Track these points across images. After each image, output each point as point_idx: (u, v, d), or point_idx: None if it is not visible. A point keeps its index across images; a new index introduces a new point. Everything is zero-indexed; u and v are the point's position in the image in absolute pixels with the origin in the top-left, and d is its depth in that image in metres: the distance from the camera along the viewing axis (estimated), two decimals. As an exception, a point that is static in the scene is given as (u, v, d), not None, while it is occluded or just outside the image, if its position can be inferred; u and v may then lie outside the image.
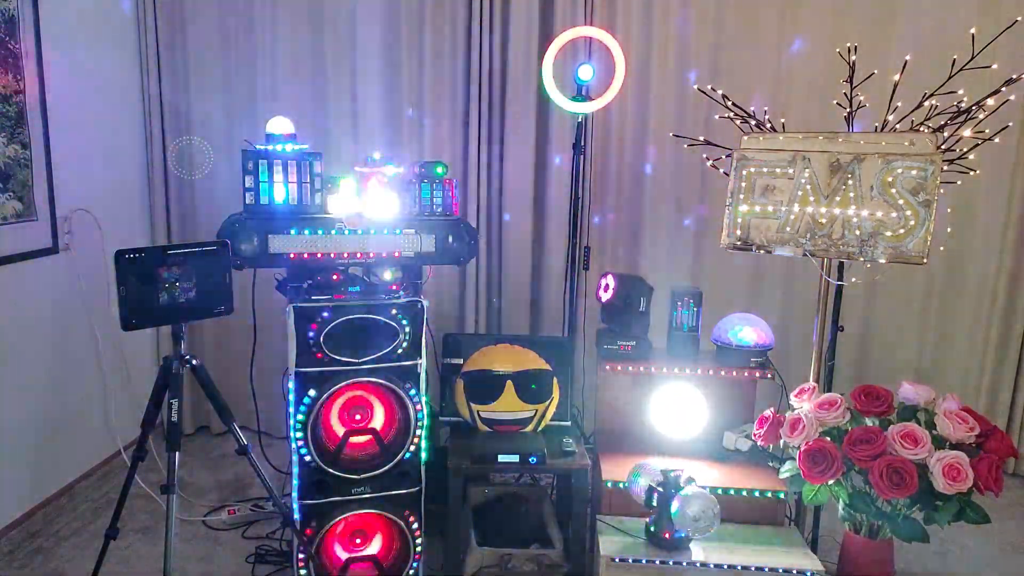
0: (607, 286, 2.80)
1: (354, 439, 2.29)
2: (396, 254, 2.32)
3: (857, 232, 2.34)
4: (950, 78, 2.34)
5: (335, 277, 2.31)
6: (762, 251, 2.47)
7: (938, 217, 2.25)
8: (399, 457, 2.30)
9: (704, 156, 2.86)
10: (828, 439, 2.22)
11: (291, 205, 2.26)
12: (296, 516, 2.29)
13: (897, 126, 2.41)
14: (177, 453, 2.05)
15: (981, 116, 2.32)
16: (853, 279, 2.66)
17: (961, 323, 3.52)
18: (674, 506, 2.22)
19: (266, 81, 3.51)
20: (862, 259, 2.34)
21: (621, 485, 2.44)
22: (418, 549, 2.38)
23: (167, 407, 2.07)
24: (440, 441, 2.84)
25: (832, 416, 2.25)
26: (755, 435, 2.44)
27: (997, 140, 2.38)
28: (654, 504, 2.29)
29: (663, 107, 3.44)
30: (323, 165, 2.30)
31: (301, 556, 2.29)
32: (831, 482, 2.20)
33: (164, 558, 2.02)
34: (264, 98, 3.52)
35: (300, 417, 2.21)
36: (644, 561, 2.22)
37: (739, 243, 2.48)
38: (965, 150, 2.37)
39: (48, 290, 3.01)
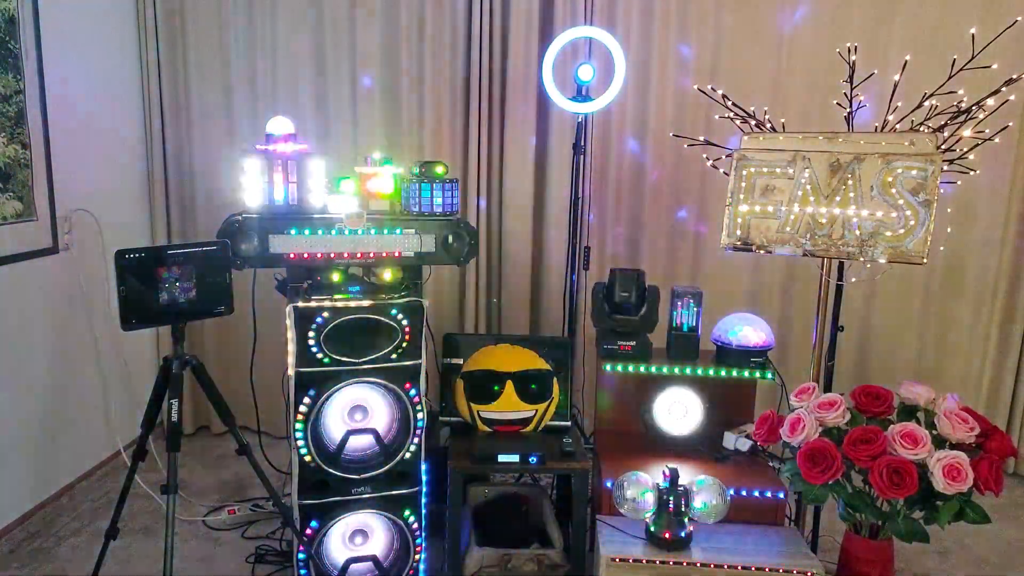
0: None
1: (354, 439, 2.29)
2: (396, 254, 2.32)
3: (857, 232, 2.33)
4: (950, 78, 2.34)
5: (335, 277, 2.31)
6: (762, 251, 2.47)
7: (938, 217, 2.25)
8: (399, 457, 2.30)
9: (704, 156, 2.86)
10: (828, 439, 2.21)
11: (291, 205, 2.26)
12: (296, 516, 2.29)
13: (897, 126, 2.41)
14: (177, 453, 2.05)
15: (981, 116, 2.32)
16: (853, 279, 2.66)
17: (961, 323, 3.52)
18: (616, 493, 2.27)
19: (266, 81, 3.52)
20: (862, 259, 2.34)
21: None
22: (418, 549, 2.38)
23: (167, 407, 2.07)
24: (440, 441, 2.84)
25: (832, 416, 2.25)
26: (755, 435, 2.44)
27: (997, 140, 2.38)
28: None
29: (663, 107, 3.44)
30: (323, 165, 2.30)
31: (301, 556, 2.30)
32: (831, 482, 2.20)
33: (164, 558, 2.02)
34: (264, 98, 3.52)
35: (300, 417, 2.21)
36: (644, 561, 2.22)
37: (739, 243, 2.48)
38: (965, 150, 2.37)
39: (48, 290, 3.01)
